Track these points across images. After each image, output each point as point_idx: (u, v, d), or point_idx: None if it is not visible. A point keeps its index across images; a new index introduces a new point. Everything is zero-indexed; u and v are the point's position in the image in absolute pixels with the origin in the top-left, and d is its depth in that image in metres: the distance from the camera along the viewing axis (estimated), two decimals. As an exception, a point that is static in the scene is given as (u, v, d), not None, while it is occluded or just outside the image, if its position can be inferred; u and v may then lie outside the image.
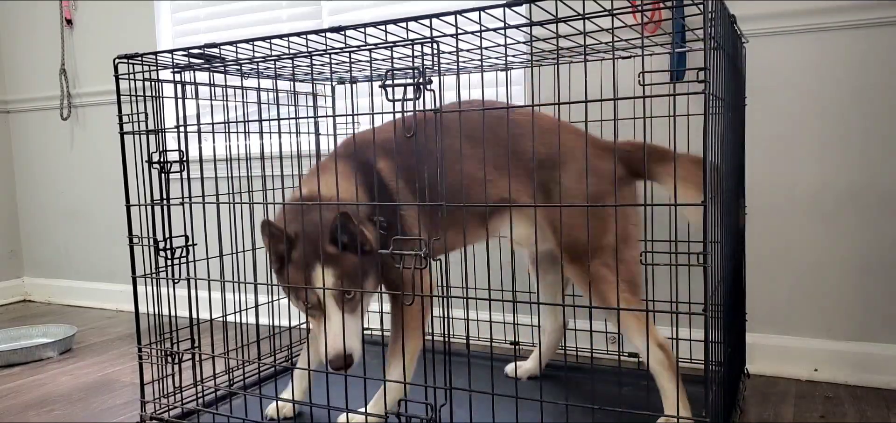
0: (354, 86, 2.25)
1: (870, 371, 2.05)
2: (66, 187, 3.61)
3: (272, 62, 1.73)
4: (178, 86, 1.82)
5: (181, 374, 1.86)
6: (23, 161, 3.75)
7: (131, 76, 1.78)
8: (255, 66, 1.84)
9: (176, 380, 1.85)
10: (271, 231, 1.60)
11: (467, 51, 1.74)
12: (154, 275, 1.80)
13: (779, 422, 1.81)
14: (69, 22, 3.43)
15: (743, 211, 1.96)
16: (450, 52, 1.67)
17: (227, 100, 1.92)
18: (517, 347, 2.25)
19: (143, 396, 1.88)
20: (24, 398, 2.21)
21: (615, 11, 1.34)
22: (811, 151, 2.07)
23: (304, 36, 1.62)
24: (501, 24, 1.43)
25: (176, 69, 1.81)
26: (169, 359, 1.85)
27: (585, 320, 2.18)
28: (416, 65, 1.42)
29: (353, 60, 1.81)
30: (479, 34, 1.44)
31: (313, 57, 1.69)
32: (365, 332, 1.66)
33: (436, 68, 1.44)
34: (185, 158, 1.80)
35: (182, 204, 1.79)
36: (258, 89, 1.97)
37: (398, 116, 1.50)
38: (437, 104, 1.46)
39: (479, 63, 1.94)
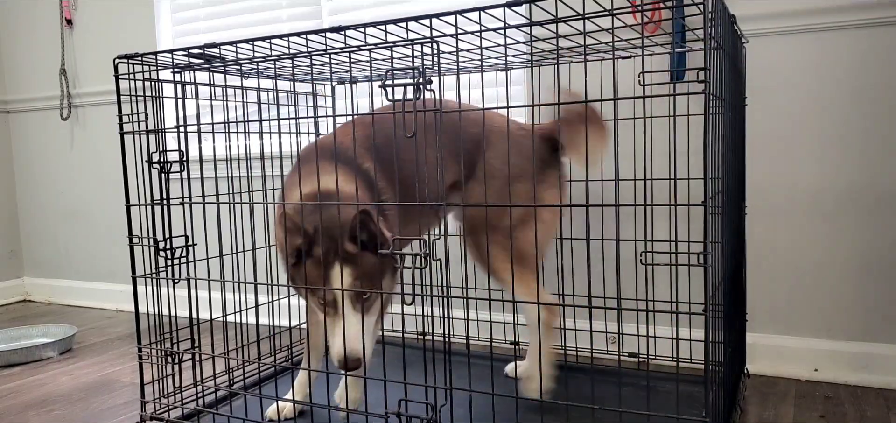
0: (354, 86, 2.25)
1: (870, 371, 2.05)
2: (66, 187, 3.61)
3: (272, 62, 1.73)
4: (178, 86, 1.82)
5: (181, 374, 1.86)
6: (23, 161, 3.75)
7: (131, 76, 1.78)
8: (255, 66, 1.84)
9: (176, 380, 1.85)
10: (289, 225, 1.55)
11: (467, 51, 1.74)
12: (154, 275, 1.80)
13: (779, 422, 1.81)
14: (69, 22, 3.43)
15: (743, 211, 1.96)
16: (450, 52, 1.68)
17: (226, 100, 1.92)
18: (517, 347, 2.25)
19: (143, 396, 1.88)
20: (24, 398, 2.21)
21: (615, 11, 1.34)
22: (811, 151, 2.07)
23: (304, 36, 1.62)
24: (501, 24, 1.43)
25: (176, 69, 1.81)
26: (169, 359, 1.84)
27: (586, 321, 2.18)
28: (416, 65, 1.42)
29: (352, 60, 1.81)
30: (478, 34, 1.44)
31: (313, 57, 1.69)
32: (385, 332, 1.65)
33: (436, 68, 1.44)
34: (185, 158, 1.80)
35: (182, 204, 1.79)
36: (258, 89, 1.97)
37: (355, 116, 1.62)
38: (437, 104, 1.46)
39: (479, 63, 1.94)
